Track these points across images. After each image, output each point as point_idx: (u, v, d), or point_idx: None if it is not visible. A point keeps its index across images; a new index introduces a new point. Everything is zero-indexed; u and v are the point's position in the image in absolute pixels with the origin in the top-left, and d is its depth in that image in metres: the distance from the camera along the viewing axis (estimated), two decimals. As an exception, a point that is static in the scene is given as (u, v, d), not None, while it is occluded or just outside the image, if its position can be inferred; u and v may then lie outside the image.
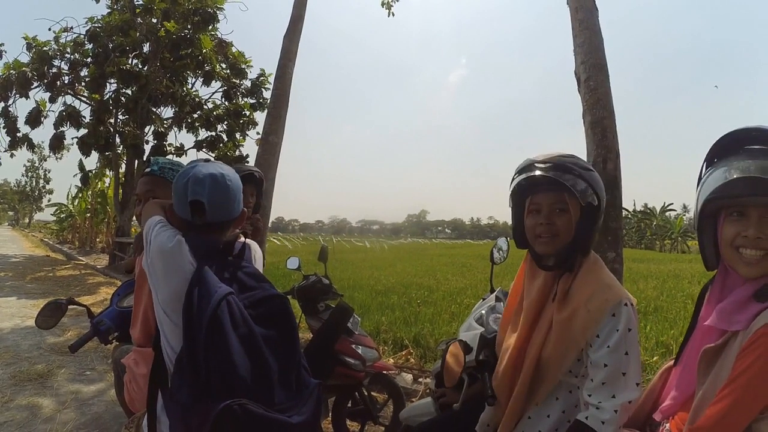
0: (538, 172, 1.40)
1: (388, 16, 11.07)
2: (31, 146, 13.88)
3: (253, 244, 1.60)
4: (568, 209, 1.40)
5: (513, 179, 1.49)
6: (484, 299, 2.13)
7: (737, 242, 1.13)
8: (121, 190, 13.98)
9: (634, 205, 44.72)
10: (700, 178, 1.22)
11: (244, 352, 1.19)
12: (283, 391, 1.25)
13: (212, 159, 1.58)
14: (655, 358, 4.63)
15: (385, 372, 3.06)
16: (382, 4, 10.96)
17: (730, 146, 1.18)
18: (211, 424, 1.10)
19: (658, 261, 17.01)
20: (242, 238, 1.54)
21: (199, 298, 1.22)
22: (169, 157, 13.96)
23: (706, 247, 1.22)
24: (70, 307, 2.45)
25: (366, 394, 2.96)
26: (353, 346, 2.85)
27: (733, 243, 1.14)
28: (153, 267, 1.34)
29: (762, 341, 1.03)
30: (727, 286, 1.19)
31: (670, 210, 44.95)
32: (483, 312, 1.96)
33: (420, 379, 4.21)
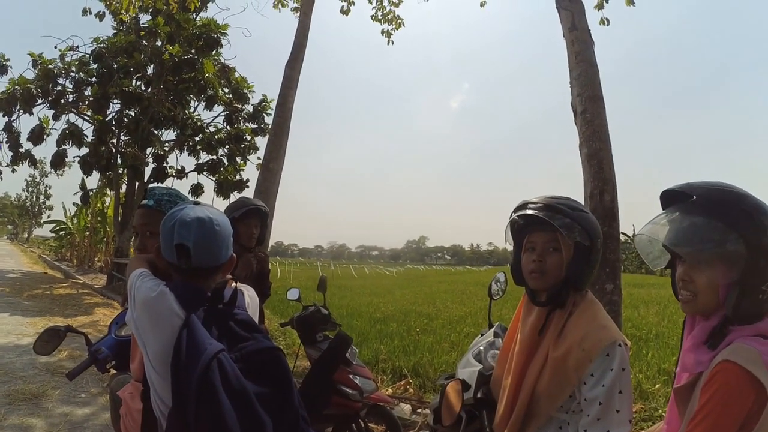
0: (530, 212, 1.49)
1: (388, 44, 11.29)
2: (33, 162, 13.98)
3: (248, 290, 1.53)
4: (560, 248, 1.46)
5: (510, 216, 1.57)
6: (482, 334, 2.12)
7: (679, 283, 1.23)
8: (121, 211, 14.01)
9: (634, 229, 44.63)
10: None
11: (237, 415, 1.13)
12: None
13: (202, 202, 1.52)
14: (657, 386, 4.60)
15: (382, 404, 3.05)
16: (382, 33, 11.18)
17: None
18: None
19: (659, 285, 16.90)
20: (233, 284, 1.48)
21: (188, 357, 1.16)
22: (170, 180, 13.99)
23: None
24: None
25: (363, 425, 2.94)
26: (351, 376, 2.85)
27: (678, 283, 1.24)
28: (140, 321, 1.30)
29: (716, 378, 1.07)
30: (695, 324, 1.24)
31: (669, 234, 44.65)
32: (481, 348, 1.96)
33: (419, 410, 4.16)
